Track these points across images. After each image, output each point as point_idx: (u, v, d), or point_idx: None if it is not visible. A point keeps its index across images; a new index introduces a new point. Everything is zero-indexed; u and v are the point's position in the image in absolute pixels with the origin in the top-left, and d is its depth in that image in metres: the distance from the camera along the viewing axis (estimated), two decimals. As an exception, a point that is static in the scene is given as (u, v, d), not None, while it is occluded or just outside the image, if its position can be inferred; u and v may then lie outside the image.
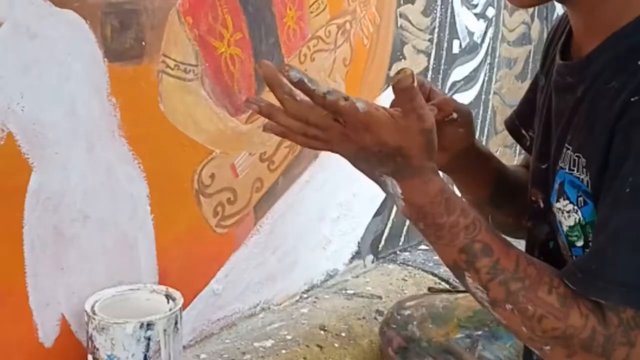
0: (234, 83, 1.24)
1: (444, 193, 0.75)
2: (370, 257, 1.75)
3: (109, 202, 1.10)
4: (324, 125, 0.74)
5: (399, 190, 0.76)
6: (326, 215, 1.57)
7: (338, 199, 1.58)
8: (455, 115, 0.88)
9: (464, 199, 0.88)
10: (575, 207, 0.76)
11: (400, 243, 1.84)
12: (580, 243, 0.78)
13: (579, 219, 0.76)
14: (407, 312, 1.15)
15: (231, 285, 1.35)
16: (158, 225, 1.18)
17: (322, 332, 1.42)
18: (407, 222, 1.77)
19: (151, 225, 1.17)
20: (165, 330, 1.04)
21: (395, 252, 1.84)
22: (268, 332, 1.39)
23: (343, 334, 1.42)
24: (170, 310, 1.07)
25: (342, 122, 0.73)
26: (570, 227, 0.78)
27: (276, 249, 1.44)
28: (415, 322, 1.12)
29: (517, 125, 1.01)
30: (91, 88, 1.02)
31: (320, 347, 1.37)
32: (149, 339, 1.03)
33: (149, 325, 1.03)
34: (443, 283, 1.64)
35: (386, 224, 1.77)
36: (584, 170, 0.73)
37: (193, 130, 1.20)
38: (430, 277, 1.70)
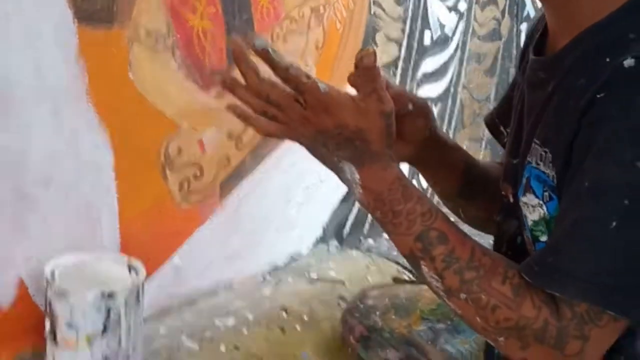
0: (205, 57, 1.23)
1: (401, 180, 0.76)
2: (335, 242, 1.75)
3: (73, 167, 1.08)
4: (284, 103, 0.74)
5: (357, 177, 0.76)
6: (292, 198, 1.56)
7: (305, 183, 1.58)
8: (410, 106, 0.87)
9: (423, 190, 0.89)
10: (541, 202, 0.76)
11: (365, 230, 1.85)
12: (544, 238, 0.78)
13: (544, 214, 0.76)
14: (370, 302, 1.15)
15: (193, 262, 1.34)
16: (122, 195, 1.16)
17: (284, 314, 1.41)
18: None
19: (115, 195, 1.15)
20: (126, 302, 1.03)
21: (359, 239, 1.84)
22: (229, 311, 1.38)
23: (305, 318, 1.42)
24: (133, 281, 1.06)
25: (302, 102, 0.74)
26: (534, 221, 0.78)
27: (240, 228, 1.43)
28: (378, 312, 1.12)
29: (497, 122, 1.01)
30: (60, 49, 1.00)
31: (282, 329, 1.36)
32: (109, 309, 1.01)
33: (110, 295, 1.01)
34: (407, 272, 1.65)
35: (351, 210, 1.77)
36: (550, 165, 0.73)
37: (162, 101, 1.18)
38: (394, 265, 1.71)
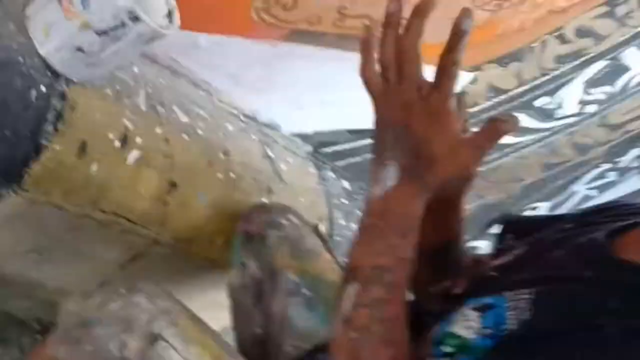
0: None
1: (416, 220, 0.72)
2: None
3: None
4: (409, 78, 0.71)
5: (390, 186, 0.72)
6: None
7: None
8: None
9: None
10: (477, 328, 0.70)
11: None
12: (443, 349, 0.72)
13: (467, 340, 0.70)
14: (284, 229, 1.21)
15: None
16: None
17: (222, 156, 1.34)
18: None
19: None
20: (139, 36, 0.96)
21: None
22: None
23: (232, 174, 1.33)
24: (161, 25, 0.98)
25: (423, 93, 0.70)
26: (454, 333, 0.72)
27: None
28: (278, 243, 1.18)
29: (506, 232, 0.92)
30: None
31: (210, 163, 1.28)
32: (123, 25, 0.94)
33: (135, 18, 0.93)
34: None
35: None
36: (519, 318, 0.67)
37: None
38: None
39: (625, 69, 1.84)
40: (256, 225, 1.20)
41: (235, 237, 1.21)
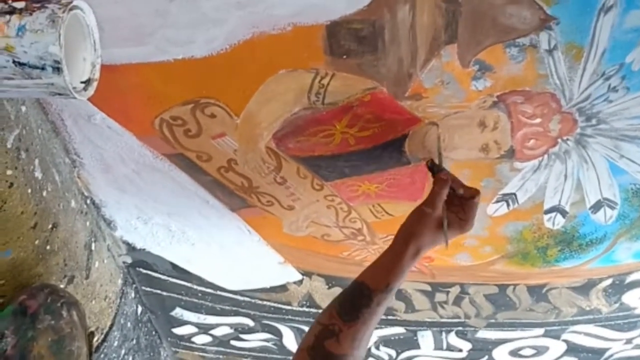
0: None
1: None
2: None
3: None
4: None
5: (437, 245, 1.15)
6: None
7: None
8: None
9: None
10: None
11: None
12: None
13: None
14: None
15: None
16: None
17: None
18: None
19: None
20: None
21: None
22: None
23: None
24: None
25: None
26: None
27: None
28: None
29: None
30: None
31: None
32: None
33: None
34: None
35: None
36: None
37: None
38: None
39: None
40: (37, 303, 1.17)
41: (12, 304, 1.16)
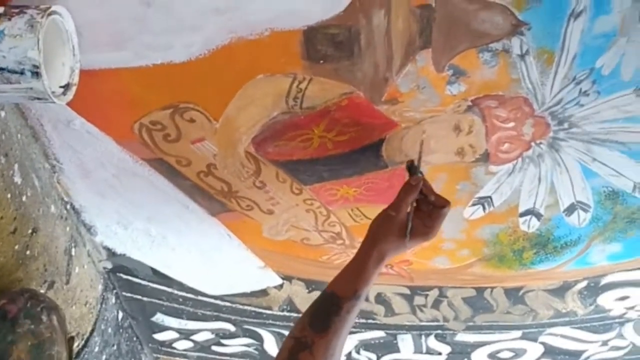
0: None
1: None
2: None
3: None
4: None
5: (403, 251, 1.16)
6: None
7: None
8: None
9: None
10: None
11: None
12: None
13: None
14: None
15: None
16: None
17: None
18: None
19: None
20: None
21: None
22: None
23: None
24: None
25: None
26: None
27: None
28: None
29: None
30: None
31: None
32: None
33: None
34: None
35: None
36: None
37: None
38: None
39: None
40: (16, 308, 1.17)
41: (-9, 308, 1.16)
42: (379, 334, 1.94)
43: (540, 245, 1.51)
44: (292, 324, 1.85)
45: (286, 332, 1.90)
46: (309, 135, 1.26)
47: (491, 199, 1.38)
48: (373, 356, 2.04)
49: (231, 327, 1.94)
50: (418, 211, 1.16)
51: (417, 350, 1.99)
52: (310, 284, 1.74)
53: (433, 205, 1.16)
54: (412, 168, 1.20)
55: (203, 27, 1.07)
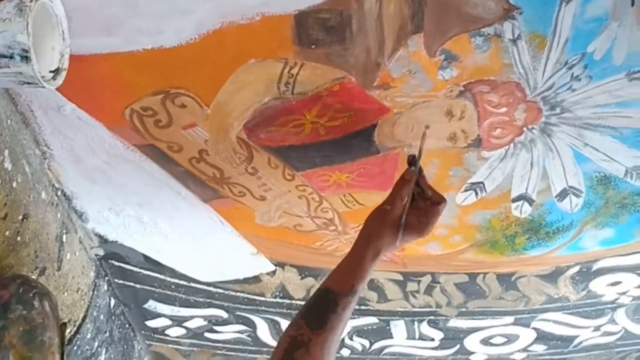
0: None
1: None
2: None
3: None
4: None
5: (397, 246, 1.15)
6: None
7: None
8: None
9: None
10: None
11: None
12: None
13: None
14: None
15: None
16: None
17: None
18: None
19: None
20: None
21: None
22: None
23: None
24: None
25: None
26: None
27: None
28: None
29: None
30: None
31: None
32: None
33: None
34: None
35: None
36: None
37: None
38: None
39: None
40: (8, 293, 1.16)
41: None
42: (372, 320, 1.94)
43: (533, 231, 1.52)
44: (284, 311, 1.86)
45: (279, 319, 1.91)
46: (300, 121, 1.25)
47: (483, 184, 1.39)
48: (366, 342, 2.05)
49: (224, 314, 1.94)
50: (414, 208, 1.16)
51: (410, 336, 2.00)
52: (303, 270, 1.74)
53: (430, 200, 1.16)
54: (414, 162, 1.20)
55: (194, 11, 1.07)
